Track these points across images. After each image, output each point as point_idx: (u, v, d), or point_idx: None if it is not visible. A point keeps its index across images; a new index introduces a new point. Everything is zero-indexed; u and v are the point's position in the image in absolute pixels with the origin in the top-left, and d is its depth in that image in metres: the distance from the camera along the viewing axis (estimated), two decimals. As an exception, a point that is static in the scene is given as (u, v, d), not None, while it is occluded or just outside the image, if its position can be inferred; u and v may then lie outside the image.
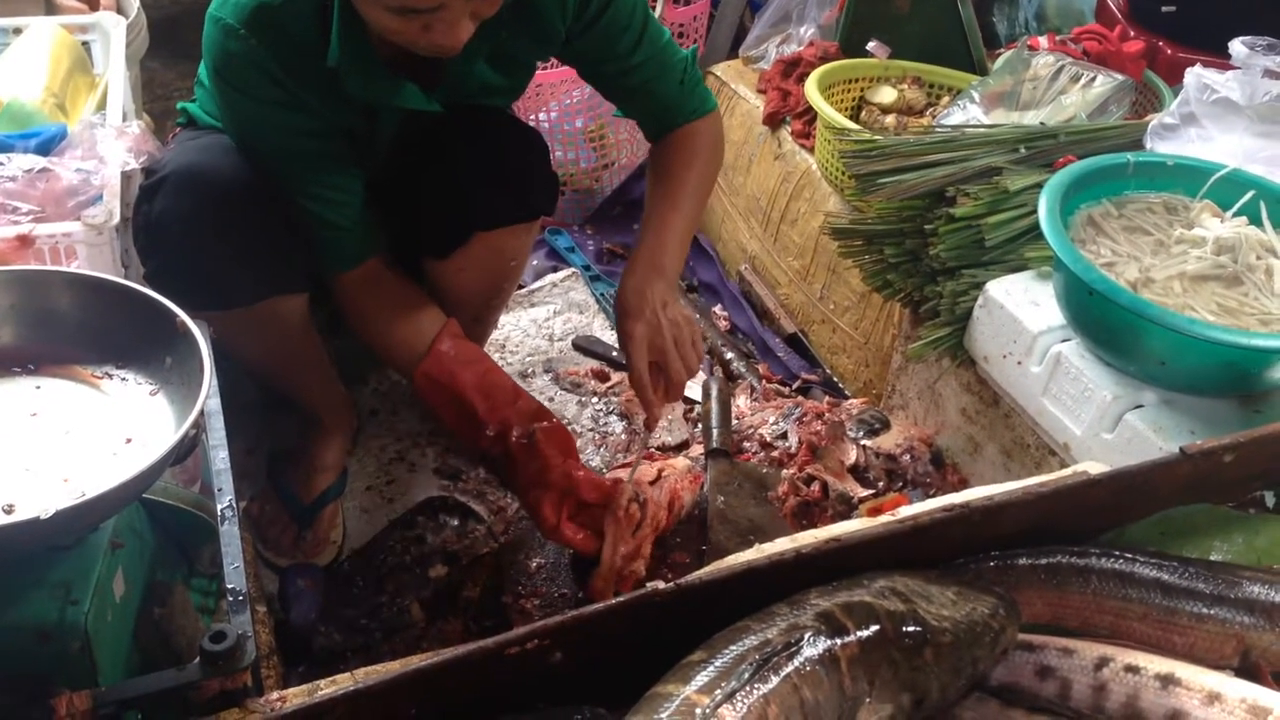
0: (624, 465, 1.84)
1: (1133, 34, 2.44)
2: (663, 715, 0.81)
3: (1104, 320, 1.53)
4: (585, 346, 2.35)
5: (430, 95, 1.54)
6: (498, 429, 1.58)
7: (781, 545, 1.16)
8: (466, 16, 1.34)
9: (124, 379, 1.19)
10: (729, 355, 2.39)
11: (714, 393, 2.06)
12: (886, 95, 2.39)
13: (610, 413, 2.19)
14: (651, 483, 1.72)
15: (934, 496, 1.85)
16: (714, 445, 1.95)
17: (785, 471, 1.91)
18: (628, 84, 1.70)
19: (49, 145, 1.71)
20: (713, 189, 1.83)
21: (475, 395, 1.59)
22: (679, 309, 1.64)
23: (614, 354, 2.27)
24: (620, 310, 1.63)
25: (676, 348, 1.61)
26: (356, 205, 1.60)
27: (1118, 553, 1.08)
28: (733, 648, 0.86)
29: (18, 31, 2.06)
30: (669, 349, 1.60)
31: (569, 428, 2.15)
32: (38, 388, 1.17)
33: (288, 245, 1.56)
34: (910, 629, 0.92)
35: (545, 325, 2.44)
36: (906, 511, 1.24)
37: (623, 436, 2.08)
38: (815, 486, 1.86)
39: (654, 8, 2.90)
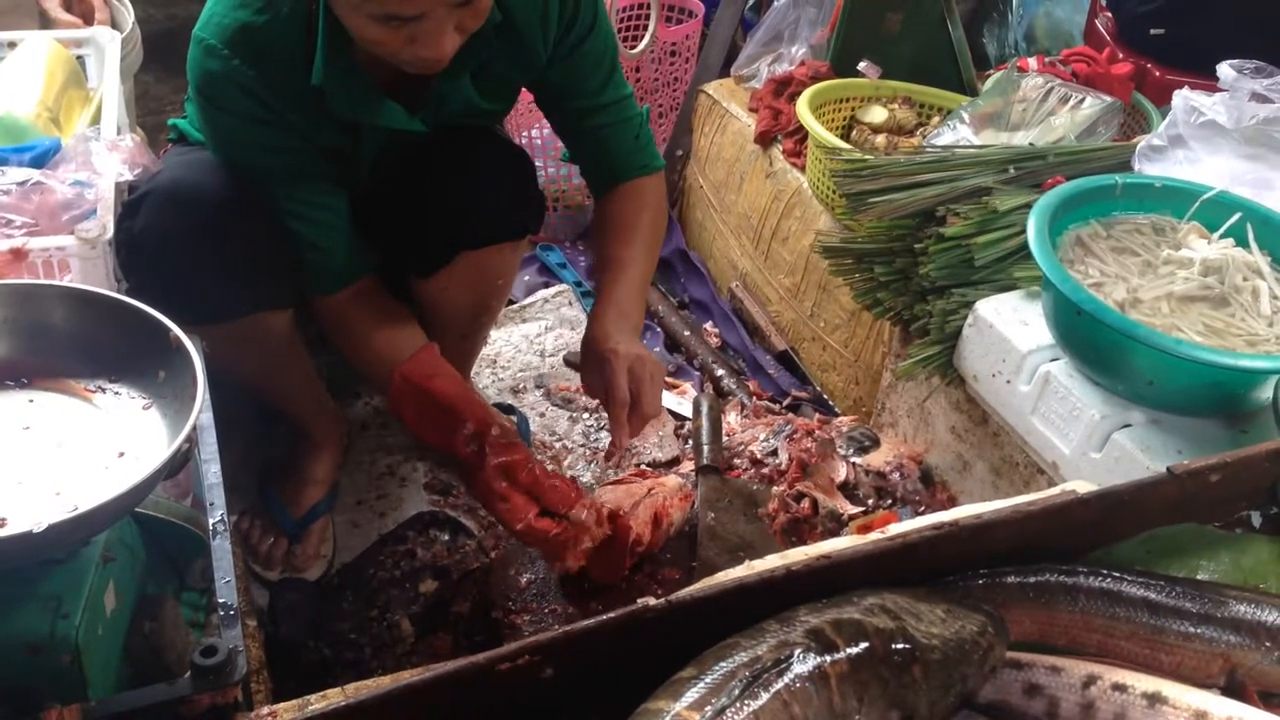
0: (614, 482, 1.83)
1: (1121, 56, 2.46)
2: (653, 731, 0.81)
3: (1092, 340, 1.54)
4: (576, 363, 2.35)
5: (415, 115, 1.54)
6: (476, 426, 1.56)
7: (772, 562, 1.16)
8: (451, 28, 1.35)
9: (117, 393, 1.19)
10: (720, 372, 2.40)
11: (704, 409, 2.06)
12: (877, 115, 2.40)
13: (601, 428, 2.19)
14: (635, 504, 1.72)
15: (923, 514, 1.86)
16: (705, 462, 1.95)
17: (775, 488, 1.92)
18: (587, 125, 1.71)
19: (43, 159, 1.70)
20: (661, 245, 1.84)
21: (452, 397, 1.58)
22: (651, 355, 1.66)
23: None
24: (594, 346, 1.64)
25: (650, 382, 1.62)
26: (341, 227, 1.60)
27: (1105, 571, 1.09)
28: (723, 664, 0.87)
29: (12, 45, 2.05)
30: (645, 381, 1.61)
31: (560, 443, 2.17)
32: (30, 401, 1.17)
33: (270, 261, 1.56)
34: (899, 646, 0.92)
35: (537, 341, 2.44)
36: (896, 529, 1.24)
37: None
38: (805, 503, 1.86)
39: (646, 27, 2.91)
